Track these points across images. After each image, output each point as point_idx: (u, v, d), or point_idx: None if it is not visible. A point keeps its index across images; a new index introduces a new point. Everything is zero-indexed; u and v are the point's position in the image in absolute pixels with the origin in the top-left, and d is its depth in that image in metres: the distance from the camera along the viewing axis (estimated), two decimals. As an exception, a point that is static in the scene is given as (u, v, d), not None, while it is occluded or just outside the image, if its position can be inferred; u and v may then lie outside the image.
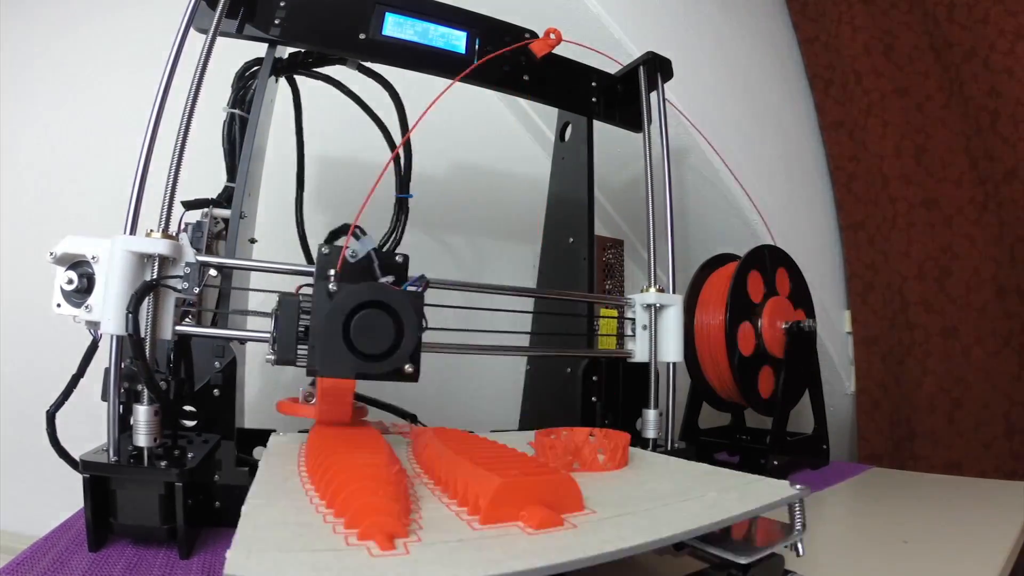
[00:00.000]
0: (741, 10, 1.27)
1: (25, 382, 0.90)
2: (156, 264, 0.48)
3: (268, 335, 0.50)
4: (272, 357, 0.49)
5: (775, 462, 0.81)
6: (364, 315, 0.45)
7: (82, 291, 0.48)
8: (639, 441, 0.68)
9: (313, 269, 0.53)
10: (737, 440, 0.98)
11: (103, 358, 0.47)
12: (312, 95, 0.80)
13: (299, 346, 0.49)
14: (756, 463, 0.85)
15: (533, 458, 0.41)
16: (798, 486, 0.41)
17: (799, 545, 0.40)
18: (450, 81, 0.71)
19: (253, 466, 0.50)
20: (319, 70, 0.74)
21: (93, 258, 0.48)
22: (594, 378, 0.71)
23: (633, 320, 0.72)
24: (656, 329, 0.70)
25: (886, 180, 1.19)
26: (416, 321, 0.47)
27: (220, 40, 0.58)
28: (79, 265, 0.48)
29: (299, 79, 0.77)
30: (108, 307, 0.46)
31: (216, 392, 0.52)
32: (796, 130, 1.31)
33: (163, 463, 0.44)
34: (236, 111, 0.66)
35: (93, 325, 0.49)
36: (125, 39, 1.02)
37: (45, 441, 0.51)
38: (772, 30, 1.36)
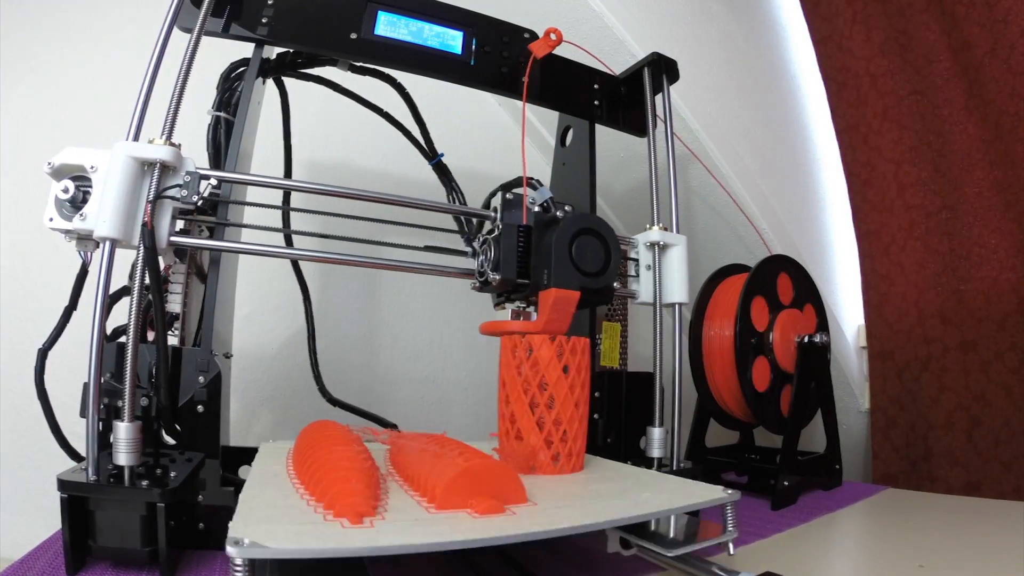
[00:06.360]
0: (750, 9, 1.29)
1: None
2: (157, 172, 0.50)
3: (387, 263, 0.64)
4: (492, 278, 0.58)
5: (785, 483, 0.81)
6: (582, 239, 0.57)
7: (77, 202, 0.50)
8: (643, 460, 0.69)
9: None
10: (746, 459, 0.99)
11: (82, 373, 0.47)
12: (300, 97, 0.81)
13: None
14: (766, 483, 0.85)
15: (486, 455, 0.44)
16: (729, 491, 0.45)
17: (730, 545, 0.45)
18: (445, 82, 0.73)
19: (238, 486, 0.50)
20: (308, 71, 0.75)
21: (92, 168, 0.50)
22: (596, 394, 0.72)
23: (637, 261, 0.73)
24: (660, 269, 0.72)
25: (902, 187, 1.20)
26: (619, 247, 0.59)
27: (205, 40, 0.59)
28: (76, 179, 0.50)
29: (287, 80, 0.78)
30: (104, 211, 0.47)
31: (200, 408, 0.53)
32: (808, 134, 1.33)
33: (144, 482, 0.45)
34: (221, 114, 0.67)
35: (84, 243, 0.51)
36: (108, 39, 1.03)
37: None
38: (783, 29, 1.37)
